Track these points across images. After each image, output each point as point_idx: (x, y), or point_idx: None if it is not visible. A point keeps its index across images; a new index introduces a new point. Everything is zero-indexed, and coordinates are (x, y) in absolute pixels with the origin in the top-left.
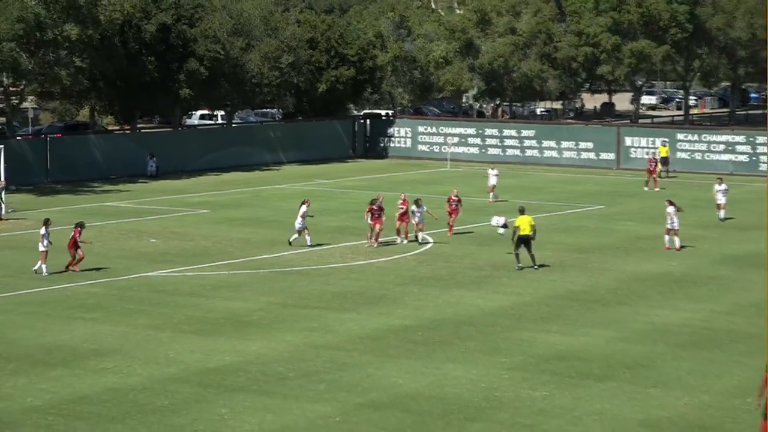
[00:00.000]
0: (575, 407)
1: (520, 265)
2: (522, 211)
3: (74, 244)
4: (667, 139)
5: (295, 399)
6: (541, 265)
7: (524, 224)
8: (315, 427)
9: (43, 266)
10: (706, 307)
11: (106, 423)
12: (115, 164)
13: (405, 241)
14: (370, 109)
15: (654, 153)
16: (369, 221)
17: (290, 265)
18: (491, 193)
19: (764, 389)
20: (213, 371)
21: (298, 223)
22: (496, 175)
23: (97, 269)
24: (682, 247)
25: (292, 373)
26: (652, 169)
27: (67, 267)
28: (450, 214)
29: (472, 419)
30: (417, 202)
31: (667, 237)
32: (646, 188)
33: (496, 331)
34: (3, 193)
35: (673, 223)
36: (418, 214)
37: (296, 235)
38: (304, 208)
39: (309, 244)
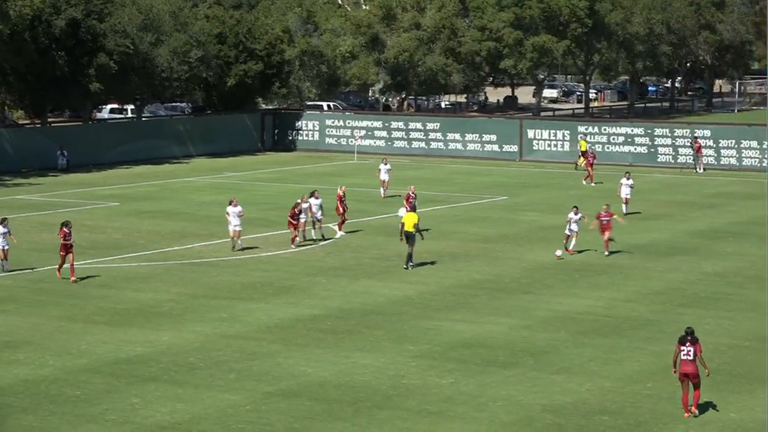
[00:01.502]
0: (481, 394)
1: (407, 265)
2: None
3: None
4: (584, 134)
5: (206, 388)
6: (417, 264)
7: (408, 221)
8: (225, 416)
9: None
10: (607, 295)
11: (18, 414)
12: (26, 158)
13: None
14: (278, 103)
15: (591, 147)
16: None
17: (200, 257)
18: (382, 189)
19: (677, 358)
20: (124, 362)
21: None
22: (389, 170)
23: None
24: (578, 252)
25: (203, 363)
26: (590, 162)
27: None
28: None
29: (380, 407)
30: (313, 194)
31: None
32: (584, 182)
33: (403, 320)
34: None
35: (570, 229)
36: (315, 206)
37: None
38: (313, 200)
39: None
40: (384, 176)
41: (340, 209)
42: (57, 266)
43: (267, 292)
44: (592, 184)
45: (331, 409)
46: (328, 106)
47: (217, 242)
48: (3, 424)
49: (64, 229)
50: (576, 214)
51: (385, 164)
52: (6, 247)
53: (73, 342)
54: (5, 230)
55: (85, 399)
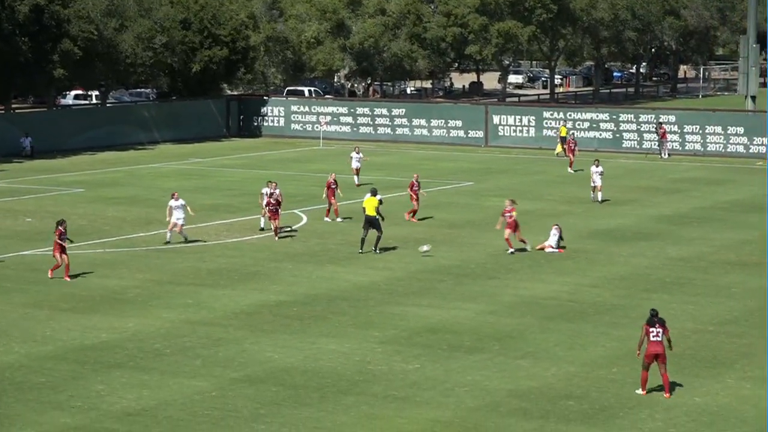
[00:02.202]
0: (447, 379)
1: (361, 250)
2: (374, 193)
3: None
4: (564, 120)
5: (172, 375)
6: (382, 249)
7: (369, 206)
8: (192, 402)
9: None
10: (573, 280)
11: None
12: None
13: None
14: (244, 89)
15: (572, 134)
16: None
17: (165, 243)
18: (356, 177)
19: (643, 341)
20: (90, 348)
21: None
22: (360, 158)
23: None
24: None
25: (169, 349)
26: (572, 149)
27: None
28: (413, 199)
29: (346, 392)
30: (269, 184)
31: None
32: (570, 170)
33: (369, 305)
34: None
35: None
36: (266, 194)
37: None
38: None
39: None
40: (355, 164)
41: (332, 198)
42: (50, 267)
43: (233, 278)
44: (571, 171)
45: (297, 395)
46: (309, 92)
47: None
48: None
49: (59, 228)
50: (597, 166)
51: (357, 153)
52: None
53: (38, 329)
54: None
55: (51, 386)
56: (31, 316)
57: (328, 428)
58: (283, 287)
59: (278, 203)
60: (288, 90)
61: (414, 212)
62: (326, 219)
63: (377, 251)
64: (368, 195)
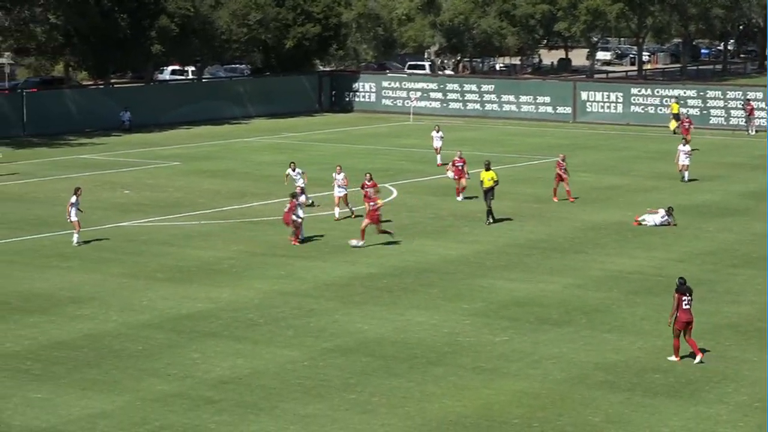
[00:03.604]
0: (534, 351)
1: (488, 221)
2: (487, 167)
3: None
4: (676, 96)
5: (265, 344)
6: (495, 220)
7: (486, 179)
8: (284, 372)
9: (76, 235)
10: (659, 255)
11: (83, 368)
12: (90, 118)
13: (460, 198)
14: (336, 65)
15: (685, 112)
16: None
17: (259, 216)
18: (438, 156)
19: (676, 310)
20: (185, 317)
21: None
22: (441, 137)
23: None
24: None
25: (262, 319)
26: (686, 128)
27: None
28: (457, 178)
29: (435, 363)
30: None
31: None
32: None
33: (458, 278)
34: None
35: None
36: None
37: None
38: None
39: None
40: (437, 143)
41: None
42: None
43: (324, 250)
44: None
45: (387, 366)
46: (431, 65)
47: (275, 201)
48: (68, 378)
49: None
50: (684, 145)
51: (438, 131)
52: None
53: (136, 298)
54: (75, 201)
55: (148, 354)
56: (128, 286)
57: (416, 398)
58: (374, 260)
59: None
60: (409, 64)
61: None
62: (458, 198)
63: (488, 222)
64: (483, 169)
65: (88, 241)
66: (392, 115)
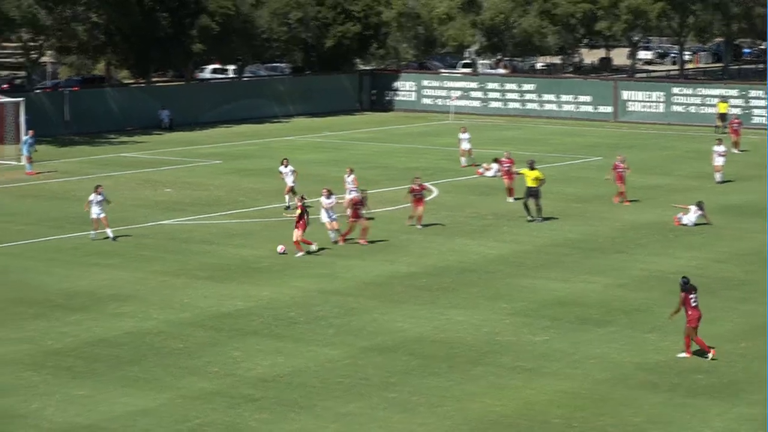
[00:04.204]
0: (575, 351)
1: (531, 218)
2: (531, 166)
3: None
4: (724, 94)
5: (306, 342)
6: (545, 218)
7: (529, 178)
8: (324, 370)
9: (108, 231)
10: (701, 255)
11: (124, 365)
12: (131, 116)
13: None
14: (376, 64)
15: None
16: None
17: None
18: (463, 158)
19: (680, 308)
20: (226, 316)
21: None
22: (468, 138)
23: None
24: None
25: (302, 317)
26: (735, 129)
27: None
28: (506, 177)
29: (475, 362)
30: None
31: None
32: (735, 150)
33: (498, 277)
34: (26, 146)
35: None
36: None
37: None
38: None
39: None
40: (466, 145)
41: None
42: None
43: (364, 249)
44: (736, 152)
45: (427, 364)
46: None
47: (315, 200)
48: (109, 375)
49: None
50: (719, 145)
51: (464, 133)
52: (101, 215)
53: (176, 296)
54: (101, 198)
55: (188, 351)
56: (169, 284)
57: (456, 397)
58: (413, 259)
59: (422, 188)
60: (462, 63)
61: (621, 194)
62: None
63: (540, 220)
64: (526, 167)
65: (121, 237)
66: (432, 114)
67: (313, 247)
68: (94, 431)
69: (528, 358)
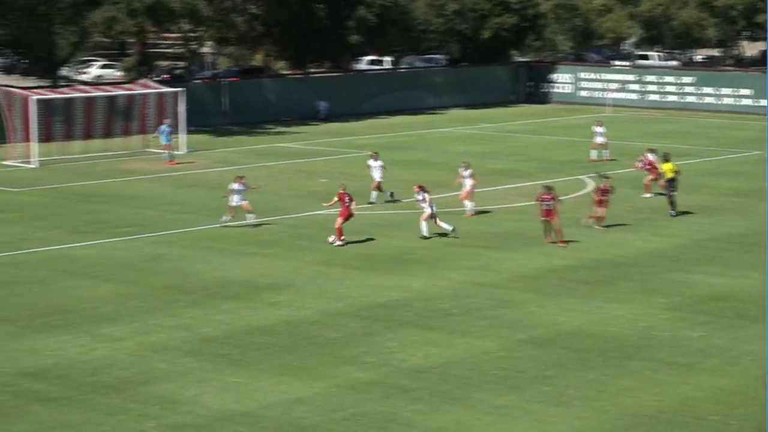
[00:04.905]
0: (733, 347)
1: (674, 212)
2: (666, 159)
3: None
4: None
5: (459, 334)
6: (680, 213)
7: (668, 170)
8: (479, 362)
9: (251, 217)
10: None
11: (281, 353)
12: (288, 107)
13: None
14: (533, 56)
15: None
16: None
17: (451, 206)
18: (594, 151)
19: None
20: (380, 306)
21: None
22: (603, 132)
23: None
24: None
25: (456, 309)
26: None
27: None
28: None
29: (630, 357)
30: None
31: None
32: None
33: (655, 272)
34: (165, 135)
35: None
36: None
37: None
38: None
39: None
40: (599, 139)
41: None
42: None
43: (518, 241)
44: None
45: (582, 358)
46: (659, 56)
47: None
48: (265, 363)
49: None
50: None
51: (599, 126)
52: (243, 202)
53: (331, 286)
54: (243, 188)
55: (344, 341)
56: (324, 274)
57: (612, 392)
58: (569, 252)
59: (608, 191)
60: (636, 55)
61: None
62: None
63: (673, 213)
64: (662, 160)
65: (276, 227)
66: (589, 106)
67: (333, 240)
68: (249, 419)
69: (685, 353)
